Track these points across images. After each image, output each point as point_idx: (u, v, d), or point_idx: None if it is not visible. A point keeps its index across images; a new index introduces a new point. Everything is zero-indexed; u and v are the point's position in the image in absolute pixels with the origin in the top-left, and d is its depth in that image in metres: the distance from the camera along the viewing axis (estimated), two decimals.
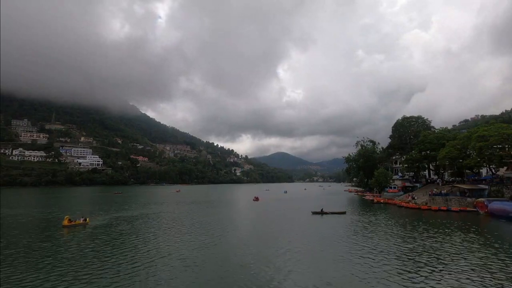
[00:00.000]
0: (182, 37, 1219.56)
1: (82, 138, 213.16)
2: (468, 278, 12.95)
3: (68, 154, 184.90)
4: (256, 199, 60.88)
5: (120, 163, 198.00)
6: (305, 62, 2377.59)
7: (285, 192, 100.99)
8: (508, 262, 15.33)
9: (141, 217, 33.04)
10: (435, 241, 20.53)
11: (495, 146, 39.66)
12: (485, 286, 12.11)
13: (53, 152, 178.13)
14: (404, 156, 63.53)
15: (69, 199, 65.71)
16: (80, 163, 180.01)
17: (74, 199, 67.80)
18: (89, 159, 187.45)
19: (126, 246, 19.25)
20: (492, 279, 12.78)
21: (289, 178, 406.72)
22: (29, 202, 55.48)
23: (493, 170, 44.18)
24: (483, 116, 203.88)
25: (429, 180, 60.16)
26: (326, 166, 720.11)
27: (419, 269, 14.35)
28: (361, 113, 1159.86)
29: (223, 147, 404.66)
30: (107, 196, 72.72)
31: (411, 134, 68.09)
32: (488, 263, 15.21)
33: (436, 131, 62.45)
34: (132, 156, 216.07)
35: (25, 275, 13.32)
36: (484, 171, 50.18)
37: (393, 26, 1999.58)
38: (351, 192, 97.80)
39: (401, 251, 17.81)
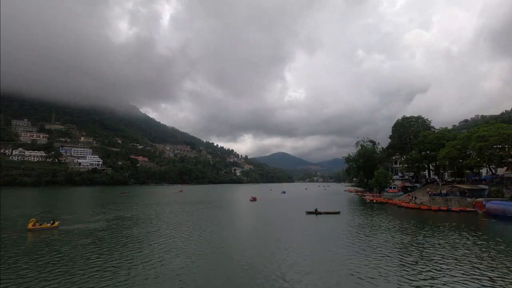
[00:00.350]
0: (186, 39, 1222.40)
1: (82, 138, 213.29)
2: (465, 279, 12.95)
3: (68, 154, 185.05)
4: (253, 199, 59.85)
5: (120, 163, 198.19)
6: (307, 62, 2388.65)
7: (283, 192, 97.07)
8: (503, 260, 15.35)
9: (138, 218, 32.98)
10: (435, 241, 20.52)
11: (495, 146, 39.64)
12: (484, 286, 12.11)
13: (53, 152, 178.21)
14: (404, 156, 63.48)
15: (69, 199, 65.70)
16: (80, 163, 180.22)
17: (74, 199, 67.78)
18: (89, 159, 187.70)
19: (93, 253, 16.89)
20: (491, 282, 12.79)
21: (289, 178, 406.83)
22: (15, 203, 52.31)
23: (493, 170, 44.17)
24: (483, 116, 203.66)
25: (429, 180, 60.08)
26: (326, 166, 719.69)
27: (419, 269, 14.34)
28: (362, 113, 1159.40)
29: (223, 147, 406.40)
30: (112, 196, 72.56)
31: (411, 134, 68.06)
32: (484, 263, 15.22)
33: (436, 131, 62.44)
34: (132, 156, 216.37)
35: None
36: (484, 171, 50.13)
37: (393, 26, 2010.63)
38: (351, 192, 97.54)
39: (397, 251, 17.80)
